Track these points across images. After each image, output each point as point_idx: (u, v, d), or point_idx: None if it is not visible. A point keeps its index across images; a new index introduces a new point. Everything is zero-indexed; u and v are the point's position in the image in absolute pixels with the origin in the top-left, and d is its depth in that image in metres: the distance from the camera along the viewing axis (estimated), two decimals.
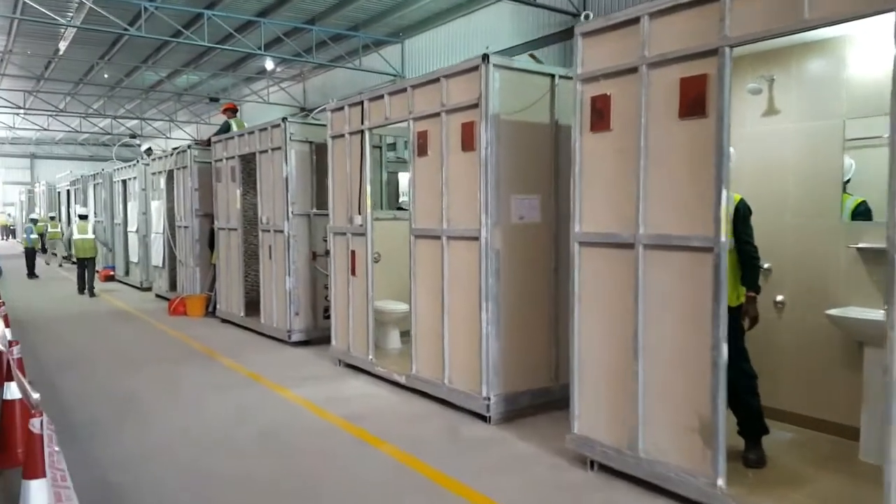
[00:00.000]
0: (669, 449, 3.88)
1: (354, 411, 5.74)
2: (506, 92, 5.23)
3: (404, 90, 6.05)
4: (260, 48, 19.01)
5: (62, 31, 19.62)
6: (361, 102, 6.70)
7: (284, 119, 8.30)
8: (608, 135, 4.16)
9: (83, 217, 15.21)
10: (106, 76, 26.25)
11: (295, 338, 8.48)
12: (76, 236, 14.42)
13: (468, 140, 5.33)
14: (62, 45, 21.10)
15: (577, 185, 4.38)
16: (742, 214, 4.09)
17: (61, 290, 15.12)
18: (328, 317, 8.65)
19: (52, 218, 23.65)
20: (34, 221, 17.52)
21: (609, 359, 4.24)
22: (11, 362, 4.42)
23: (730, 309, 3.72)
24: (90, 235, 14.77)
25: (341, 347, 7.29)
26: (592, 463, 4.36)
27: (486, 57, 5.10)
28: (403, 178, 12.08)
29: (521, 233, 5.42)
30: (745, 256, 4.07)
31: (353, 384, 6.67)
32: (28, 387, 3.63)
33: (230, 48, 19.38)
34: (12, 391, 4.48)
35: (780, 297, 4.84)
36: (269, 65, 24.80)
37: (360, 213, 6.87)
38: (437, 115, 5.64)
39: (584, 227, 4.35)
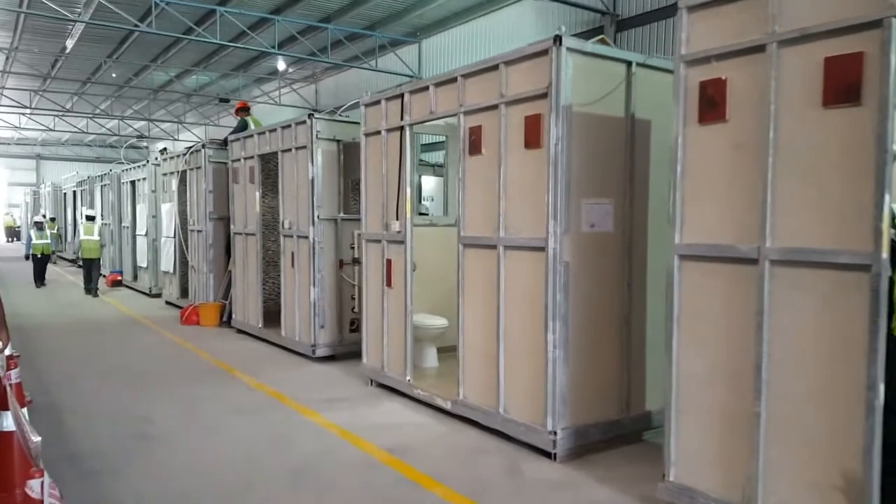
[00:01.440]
0: None
1: (397, 442, 5.06)
2: (578, 80, 4.56)
3: (454, 80, 5.39)
4: (273, 47, 18.47)
5: (70, 27, 19.06)
6: (401, 95, 6.04)
7: (311, 115, 7.64)
8: (722, 127, 3.49)
9: (90, 218, 15.17)
10: (114, 75, 25.70)
11: (319, 353, 7.81)
12: (82, 237, 14.47)
13: (533, 135, 4.66)
14: (69, 43, 20.51)
15: (679, 188, 3.70)
16: None
17: (67, 296, 14.49)
18: (354, 330, 8.01)
19: (52, 220, 23.08)
20: (40, 225, 16.58)
21: (718, 395, 3.56)
22: (8, 389, 3.74)
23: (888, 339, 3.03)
24: (95, 237, 14.78)
25: (374, 366, 6.62)
26: None
27: (558, 39, 4.43)
28: (426, 183, 11.42)
29: (591, 243, 4.75)
30: None
31: (389, 408, 5.99)
32: (27, 427, 2.95)
33: (243, 46, 18.80)
34: (8, 423, 3.81)
35: None
36: (280, 65, 24.25)
37: (397, 219, 6.20)
38: (495, 107, 4.97)
39: (688, 237, 3.68)
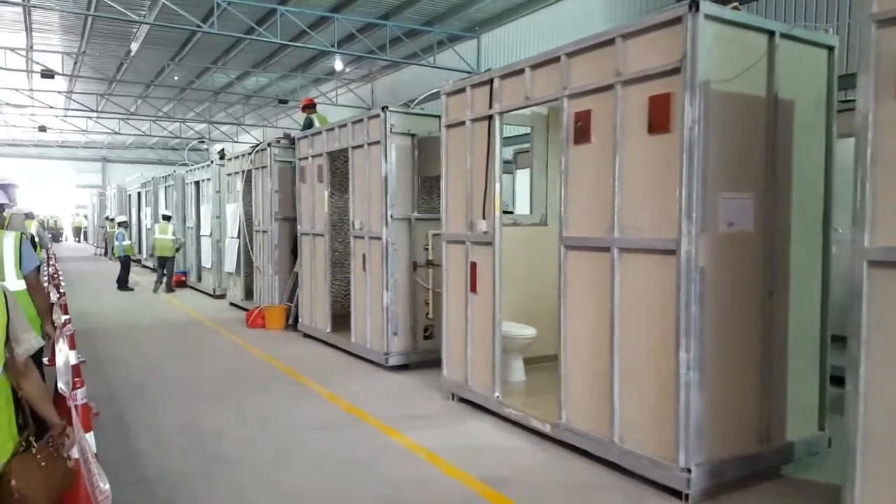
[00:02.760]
0: None
1: (493, 472, 4.45)
2: (715, 53, 3.86)
3: (556, 59, 4.74)
4: (333, 46, 18.18)
5: (135, 30, 19.23)
6: (490, 81, 5.43)
7: (385, 108, 7.11)
8: None
9: (167, 218, 15.42)
10: (176, 78, 26.00)
11: (393, 361, 7.28)
12: (157, 235, 14.84)
13: (660, 118, 3.98)
14: (134, 46, 20.75)
15: (867, 178, 2.97)
16: None
17: (133, 296, 14.45)
18: (428, 337, 7.46)
19: (111, 220, 23.47)
20: (125, 225, 16.45)
21: None
22: (74, 414, 3.29)
23: None
24: (169, 236, 14.91)
25: (456, 378, 6.03)
26: None
27: (694, 3, 3.74)
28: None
29: (728, 245, 4.04)
30: None
31: (477, 428, 5.39)
32: (95, 470, 2.46)
33: (302, 45, 18.59)
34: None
35: None
36: (338, 65, 24.05)
37: (484, 218, 5.60)
38: (609, 88, 4.31)
39: (882, 238, 2.95)
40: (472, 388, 5.78)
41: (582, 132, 4.55)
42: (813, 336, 4.54)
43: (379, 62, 23.44)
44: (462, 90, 5.80)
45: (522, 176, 8.88)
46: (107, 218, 17.04)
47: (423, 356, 7.47)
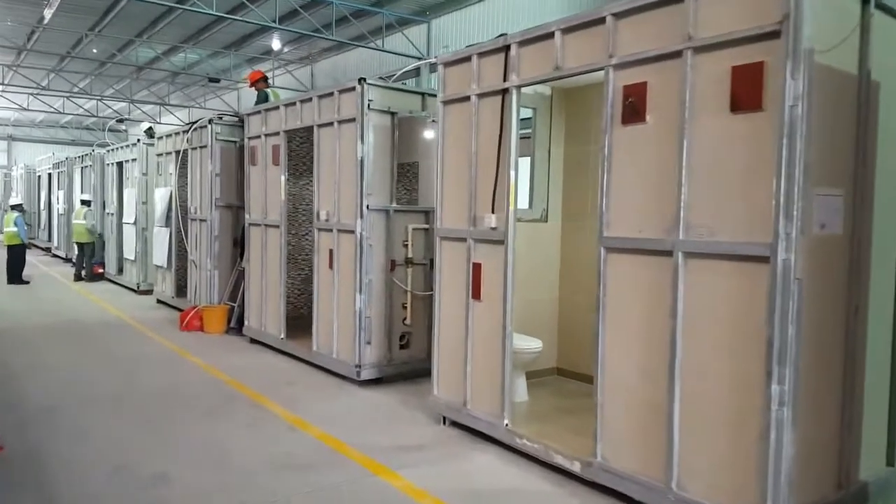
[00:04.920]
0: None
1: None
2: (812, 17, 3.12)
3: (598, 20, 3.91)
4: (274, 21, 16.86)
5: None
6: (506, 48, 4.55)
7: (362, 80, 6.11)
8: None
9: (86, 203, 14.36)
10: (94, 51, 23.74)
11: (365, 375, 6.31)
12: (73, 220, 13.98)
13: (749, 93, 3.22)
14: (48, 13, 18.60)
15: None
16: None
17: (43, 291, 12.78)
18: (405, 346, 6.54)
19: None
20: (20, 208, 14.30)
21: None
22: None
23: None
24: (81, 221, 13.75)
25: (450, 400, 5.14)
26: None
27: None
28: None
29: (819, 252, 3.32)
30: None
31: (484, 464, 4.52)
32: None
33: (240, 19, 17.14)
34: None
35: None
36: (276, 44, 22.54)
37: (493, 212, 4.72)
38: (675, 55, 3.51)
39: None
40: (473, 413, 4.91)
41: (634, 110, 3.74)
42: (884, 359, 3.92)
43: (320, 43, 22.17)
44: (466, 59, 4.90)
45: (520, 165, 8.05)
46: (11, 205, 14.92)
47: (399, 368, 6.54)
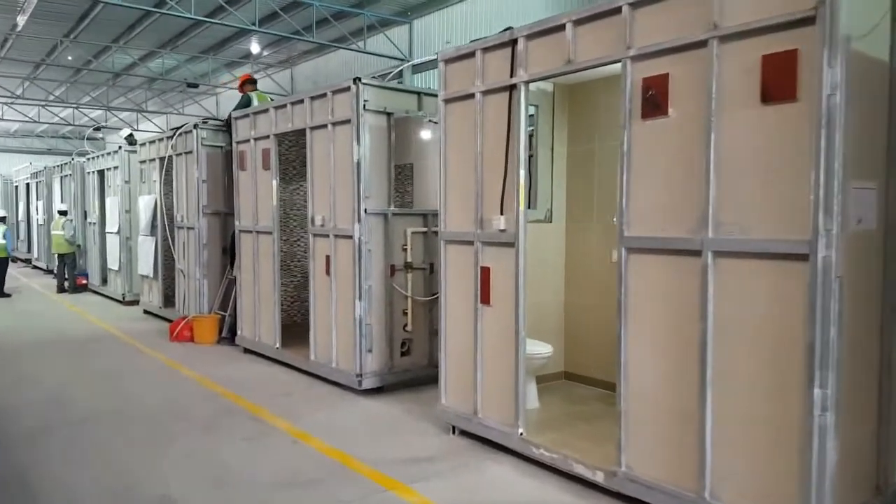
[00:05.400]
0: None
1: None
2: (850, 3, 2.98)
3: (614, 10, 3.74)
4: (254, 24, 16.58)
5: (21, 1, 16.78)
6: (513, 42, 4.38)
7: (357, 80, 5.91)
8: None
9: (62, 213, 14.05)
10: (70, 58, 23.24)
11: (367, 384, 6.09)
12: (52, 231, 13.75)
13: (781, 83, 3.06)
14: (21, 20, 18.12)
15: None
16: None
17: (29, 305, 12.38)
18: (406, 354, 6.34)
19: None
20: (2, 220, 13.82)
21: None
22: None
23: None
24: (60, 231, 13.46)
25: (459, 409, 4.95)
26: None
27: None
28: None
29: (855, 248, 3.18)
30: None
31: (499, 476, 4.33)
32: None
33: (219, 22, 16.83)
34: None
35: None
36: (254, 48, 22.22)
37: (502, 214, 4.54)
38: (699, 45, 3.36)
39: None
40: (484, 422, 4.72)
41: (654, 103, 3.58)
42: None
43: (300, 46, 21.88)
44: (469, 55, 4.71)
45: None
46: None
47: (400, 376, 6.34)
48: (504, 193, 4.51)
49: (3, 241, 13.35)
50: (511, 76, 4.40)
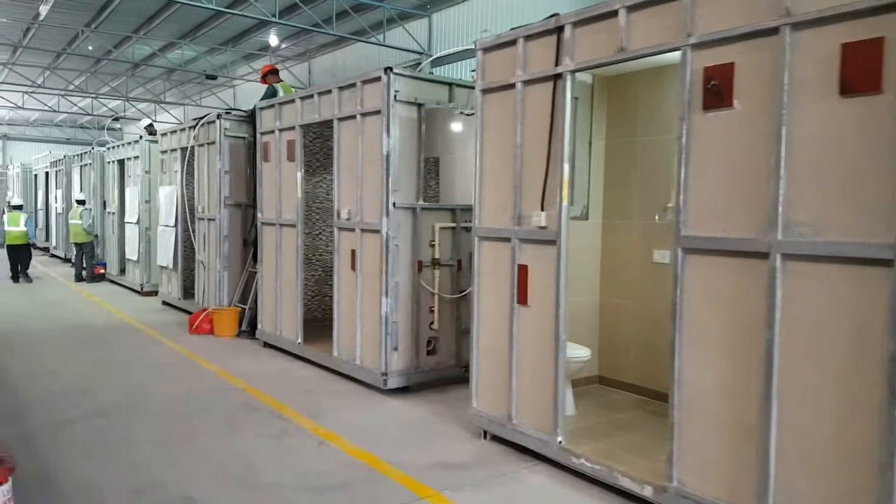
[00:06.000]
0: None
1: None
2: None
3: None
4: (274, 16, 16.42)
5: None
6: (558, 29, 4.16)
7: (388, 69, 5.71)
8: None
9: (80, 202, 13.96)
10: (90, 48, 23.22)
11: (392, 383, 5.91)
12: (71, 221, 13.68)
13: (863, 73, 2.81)
14: (43, 9, 18.09)
15: None
16: None
17: (48, 294, 12.31)
18: (431, 352, 6.15)
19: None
20: (20, 208, 14.12)
21: None
22: None
23: None
24: (77, 221, 13.42)
25: (493, 413, 4.74)
26: None
27: None
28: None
29: None
30: None
31: (538, 486, 4.11)
32: None
33: (240, 13, 16.69)
34: None
35: None
36: (273, 40, 22.06)
37: (543, 210, 4.33)
38: (769, 32, 3.12)
39: None
40: (520, 428, 4.51)
41: (717, 94, 3.34)
42: None
43: (318, 39, 21.73)
44: (510, 43, 4.50)
45: None
46: (9, 203, 14.68)
47: (426, 376, 6.15)
48: (546, 188, 4.30)
49: (25, 229, 13.61)
50: (556, 65, 4.18)
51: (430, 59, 14.18)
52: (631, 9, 3.75)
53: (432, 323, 6.18)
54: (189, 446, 4.67)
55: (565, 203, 4.19)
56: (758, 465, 3.18)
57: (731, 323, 3.32)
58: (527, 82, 4.40)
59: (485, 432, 4.84)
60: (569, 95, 4.14)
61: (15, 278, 13.59)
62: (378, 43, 18.50)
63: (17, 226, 13.51)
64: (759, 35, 3.17)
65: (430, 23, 18.81)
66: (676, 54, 3.53)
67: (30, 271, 14.04)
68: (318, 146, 8.58)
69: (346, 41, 20.06)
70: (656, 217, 5.28)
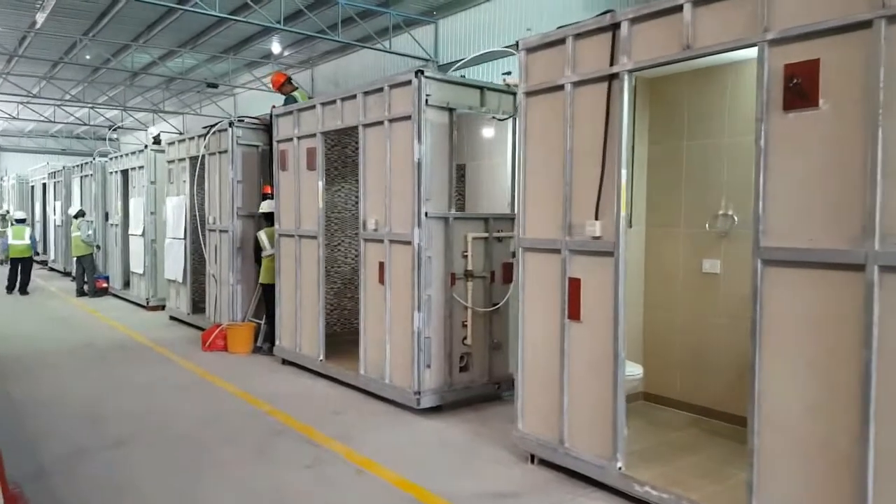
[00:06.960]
0: None
1: None
2: None
3: None
4: (278, 22, 16.18)
5: None
6: (613, 26, 3.91)
7: (419, 72, 5.45)
8: None
9: (80, 214, 13.76)
10: (88, 57, 22.92)
11: (426, 402, 5.63)
12: (73, 234, 13.40)
13: None
14: (40, 18, 17.79)
15: None
16: None
17: (50, 310, 11.99)
18: (464, 369, 5.88)
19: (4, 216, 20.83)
20: (23, 221, 14.42)
21: None
22: None
23: None
24: (77, 232, 13.22)
25: (541, 436, 4.47)
26: None
27: None
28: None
29: None
30: None
31: None
32: None
33: (243, 20, 16.42)
34: None
35: None
36: (275, 47, 21.83)
37: (597, 219, 4.07)
38: (861, 26, 2.88)
39: None
40: (572, 453, 4.24)
41: (800, 93, 3.09)
42: None
43: (321, 46, 21.48)
44: (558, 42, 4.25)
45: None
46: (17, 219, 14.58)
47: (459, 394, 5.88)
48: (600, 196, 4.04)
49: (29, 242, 13.75)
50: (611, 65, 3.93)
51: (461, 63, 13.81)
52: (697, 3, 3.51)
53: (465, 338, 5.92)
54: (219, 479, 4.38)
55: (623, 212, 3.93)
56: (852, 496, 2.92)
57: (821, 341, 3.06)
58: (577, 83, 4.15)
59: (532, 456, 4.56)
60: (626, 97, 3.89)
61: (10, 289, 13.61)
62: (384, 50, 18.26)
63: (21, 239, 13.73)
64: (849, 29, 2.93)
65: (437, 29, 18.59)
66: (739, 53, 3.30)
67: (29, 287, 13.99)
68: (336, 154, 8.33)
69: (349, 49, 19.83)
70: (706, 225, 5.03)
